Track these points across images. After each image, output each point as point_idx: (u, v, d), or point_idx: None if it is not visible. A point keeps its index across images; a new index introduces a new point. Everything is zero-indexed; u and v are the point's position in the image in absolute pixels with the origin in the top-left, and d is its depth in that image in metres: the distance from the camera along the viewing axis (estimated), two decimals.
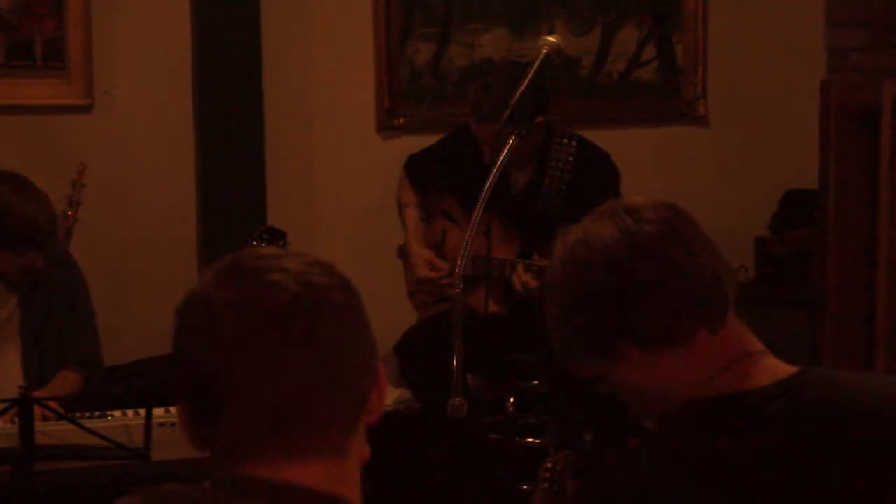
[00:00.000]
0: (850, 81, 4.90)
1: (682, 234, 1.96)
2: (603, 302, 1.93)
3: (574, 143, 4.37)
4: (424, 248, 4.55)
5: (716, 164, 5.56)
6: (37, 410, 3.29)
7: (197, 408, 1.52)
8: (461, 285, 3.31)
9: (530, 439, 4.30)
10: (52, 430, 3.34)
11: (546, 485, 2.36)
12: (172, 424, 3.42)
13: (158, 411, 3.40)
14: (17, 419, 3.26)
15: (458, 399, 3.23)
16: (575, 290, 1.97)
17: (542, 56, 3.57)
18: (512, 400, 4.32)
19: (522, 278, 4.20)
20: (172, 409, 3.49)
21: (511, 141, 3.41)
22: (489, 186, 3.32)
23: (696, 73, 5.54)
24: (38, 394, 3.47)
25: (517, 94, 3.51)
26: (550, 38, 3.62)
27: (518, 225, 4.37)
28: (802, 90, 5.16)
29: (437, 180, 4.56)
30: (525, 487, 4.07)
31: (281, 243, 3.76)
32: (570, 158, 4.36)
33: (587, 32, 5.46)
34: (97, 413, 3.52)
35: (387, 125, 5.33)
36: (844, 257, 4.50)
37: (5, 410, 3.31)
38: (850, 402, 1.90)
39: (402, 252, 4.64)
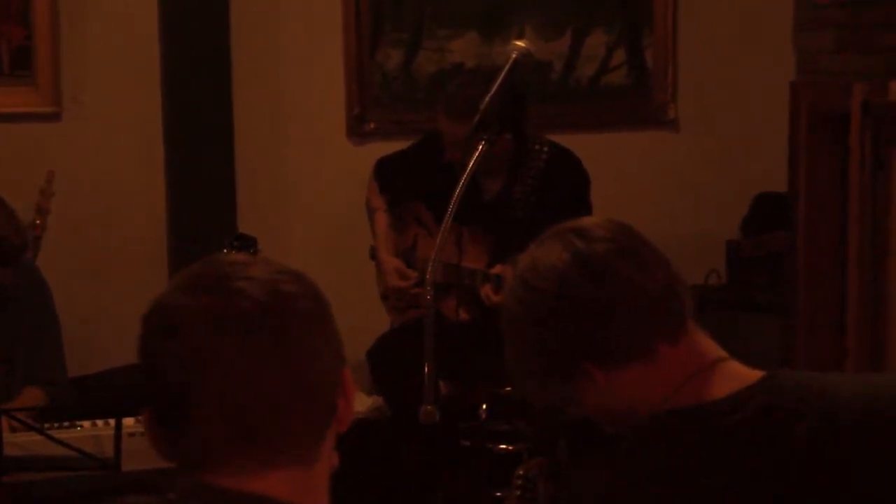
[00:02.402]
0: (820, 84, 4.91)
1: (631, 251, 1.96)
2: (559, 326, 1.92)
3: (545, 149, 4.37)
4: (393, 257, 4.53)
5: (686, 167, 5.56)
6: (4, 422, 3.26)
7: (162, 417, 1.51)
8: (432, 292, 3.30)
9: (503, 446, 4.29)
10: (20, 441, 3.31)
11: (518, 492, 2.36)
12: (142, 434, 3.38)
13: (128, 421, 3.38)
14: None
15: (430, 405, 3.22)
16: (530, 318, 1.96)
17: (511, 61, 3.58)
18: (485, 406, 4.31)
19: (493, 299, 4.18)
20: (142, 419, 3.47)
21: (481, 147, 3.42)
22: (458, 195, 3.31)
23: (666, 77, 5.55)
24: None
25: (486, 99, 3.52)
26: (520, 43, 3.63)
27: (489, 233, 4.36)
28: (772, 93, 5.17)
29: (406, 186, 4.55)
30: (499, 494, 4.06)
31: (252, 250, 3.75)
32: (542, 165, 4.35)
33: (557, 37, 5.46)
34: (66, 424, 3.49)
35: (357, 131, 5.32)
36: (815, 260, 4.51)
37: None
38: (817, 403, 1.90)
39: (374, 253, 4.64)
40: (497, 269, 4.22)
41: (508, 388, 4.35)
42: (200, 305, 1.50)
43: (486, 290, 4.20)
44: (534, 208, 4.33)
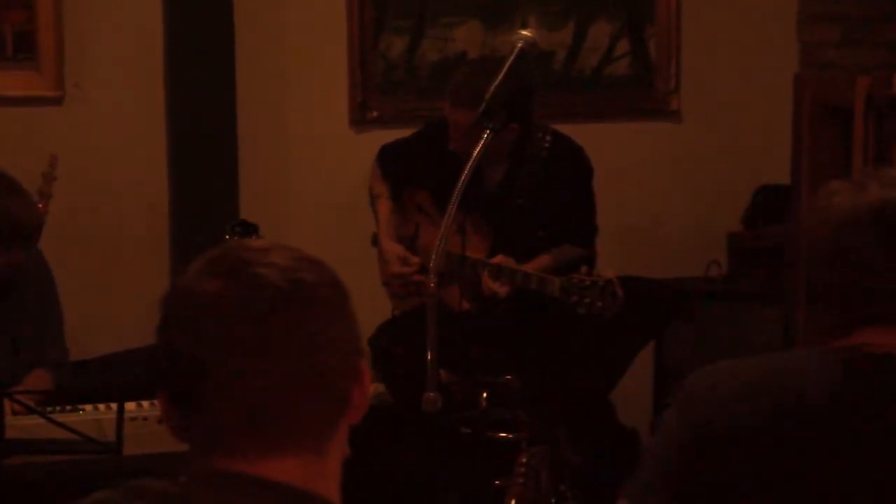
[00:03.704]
0: (824, 77, 4.91)
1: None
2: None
3: (548, 138, 4.36)
4: (396, 243, 4.54)
5: (689, 159, 5.56)
6: (7, 405, 3.27)
7: (178, 399, 1.51)
8: (435, 280, 3.31)
9: (503, 434, 4.30)
10: (22, 425, 3.32)
11: (521, 479, 2.37)
12: (144, 419, 3.41)
13: (130, 406, 3.39)
14: None
15: (432, 393, 3.23)
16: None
17: (517, 50, 3.58)
18: (485, 395, 4.32)
19: (492, 287, 4.18)
20: (144, 404, 3.48)
21: (486, 136, 3.42)
22: (462, 183, 3.32)
23: (669, 68, 5.55)
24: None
25: (491, 88, 3.52)
26: (525, 32, 3.63)
27: (491, 222, 4.36)
28: (775, 85, 5.17)
29: (409, 173, 4.55)
30: (498, 482, 4.07)
31: (254, 236, 3.76)
32: (544, 154, 4.35)
33: (560, 27, 5.46)
34: (68, 407, 3.50)
35: (360, 119, 5.31)
36: None
37: None
38: None
39: (376, 240, 4.63)
40: (498, 258, 4.22)
41: (509, 377, 4.36)
42: (220, 290, 1.50)
43: (486, 279, 4.19)
44: (535, 197, 4.33)
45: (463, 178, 3.32)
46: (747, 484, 1.92)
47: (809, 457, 1.92)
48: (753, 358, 2.06)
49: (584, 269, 3.93)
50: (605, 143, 5.05)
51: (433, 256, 3.31)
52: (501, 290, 4.15)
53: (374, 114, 5.32)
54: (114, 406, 3.32)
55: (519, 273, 4.12)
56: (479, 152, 3.38)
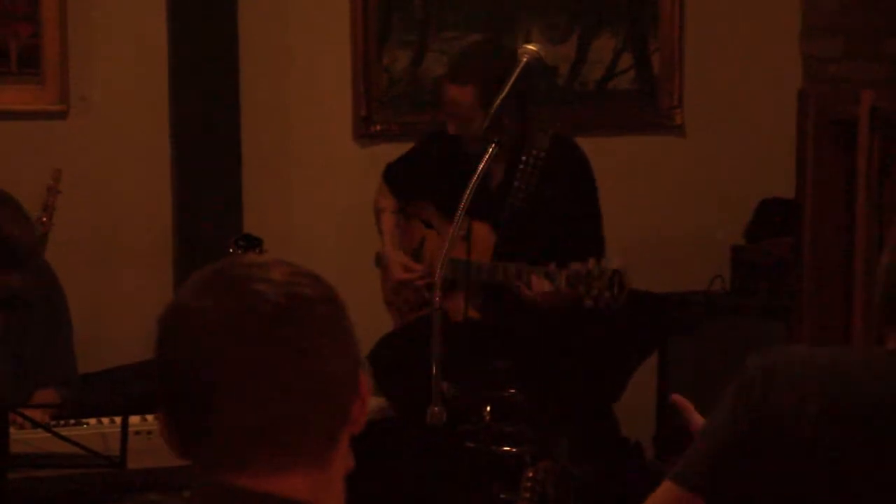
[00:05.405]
0: (828, 91, 4.91)
1: None
2: None
3: (548, 137, 4.37)
4: (400, 252, 4.54)
5: (692, 173, 5.57)
6: (12, 419, 3.27)
7: (178, 417, 1.51)
8: (440, 293, 3.31)
9: (507, 448, 4.29)
10: (27, 439, 3.32)
11: (528, 494, 2.37)
12: (148, 433, 3.40)
13: (134, 419, 3.39)
14: None
15: (437, 407, 3.23)
16: None
17: (521, 64, 3.59)
18: (489, 408, 4.31)
19: (536, 287, 4.11)
20: (148, 418, 3.48)
21: (491, 149, 3.43)
22: (470, 192, 3.33)
23: (673, 82, 5.55)
24: None
25: (497, 102, 3.53)
26: (530, 47, 3.65)
27: (493, 224, 4.35)
28: (778, 99, 5.18)
29: (416, 187, 4.54)
30: (503, 496, 4.06)
31: (258, 250, 3.76)
32: (543, 154, 4.32)
33: (564, 40, 5.46)
34: (72, 421, 3.50)
35: (364, 132, 5.32)
36: (821, 266, 4.51)
37: None
38: None
39: (379, 260, 4.63)
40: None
41: (513, 390, 4.35)
42: (218, 307, 1.49)
43: (534, 280, 4.12)
44: (533, 197, 4.32)
45: (468, 192, 3.32)
46: (792, 477, 1.93)
47: (861, 457, 1.92)
48: (821, 349, 2.07)
49: (591, 261, 3.93)
50: (608, 156, 5.05)
51: (439, 265, 3.31)
52: (548, 286, 4.08)
53: (378, 127, 5.32)
54: (118, 420, 3.32)
55: (526, 268, 4.11)
56: (484, 166, 3.39)
